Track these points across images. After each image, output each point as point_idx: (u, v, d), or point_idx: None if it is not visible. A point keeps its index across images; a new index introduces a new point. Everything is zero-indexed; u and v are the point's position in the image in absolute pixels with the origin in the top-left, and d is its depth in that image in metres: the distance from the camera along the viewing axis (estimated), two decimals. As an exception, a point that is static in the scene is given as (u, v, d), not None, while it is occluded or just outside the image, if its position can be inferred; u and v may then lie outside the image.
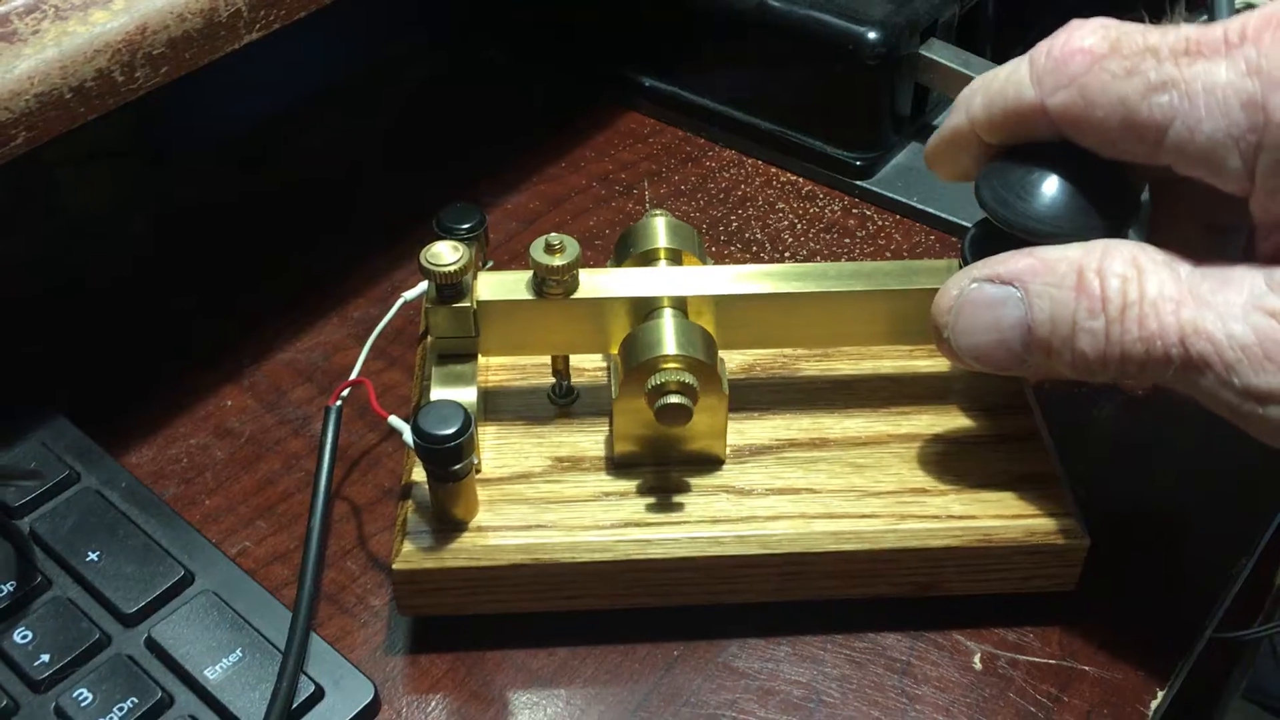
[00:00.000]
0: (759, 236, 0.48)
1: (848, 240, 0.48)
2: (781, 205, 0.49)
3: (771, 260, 0.47)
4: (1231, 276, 0.28)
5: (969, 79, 0.47)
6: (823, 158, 0.50)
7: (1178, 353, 0.28)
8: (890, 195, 0.49)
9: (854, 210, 0.49)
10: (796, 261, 0.47)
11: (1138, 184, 0.32)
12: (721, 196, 0.50)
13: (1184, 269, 0.28)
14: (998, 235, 0.32)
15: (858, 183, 0.49)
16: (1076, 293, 0.29)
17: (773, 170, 0.51)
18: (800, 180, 0.50)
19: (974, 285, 0.30)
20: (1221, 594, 0.36)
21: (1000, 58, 0.50)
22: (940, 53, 0.48)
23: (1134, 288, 0.28)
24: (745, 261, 0.47)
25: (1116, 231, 0.31)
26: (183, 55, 0.33)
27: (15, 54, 0.30)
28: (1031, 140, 0.31)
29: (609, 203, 0.50)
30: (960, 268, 0.34)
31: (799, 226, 0.48)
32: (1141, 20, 0.29)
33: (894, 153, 0.50)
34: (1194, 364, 0.28)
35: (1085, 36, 0.29)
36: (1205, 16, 0.49)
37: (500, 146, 0.52)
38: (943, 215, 0.48)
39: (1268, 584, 0.67)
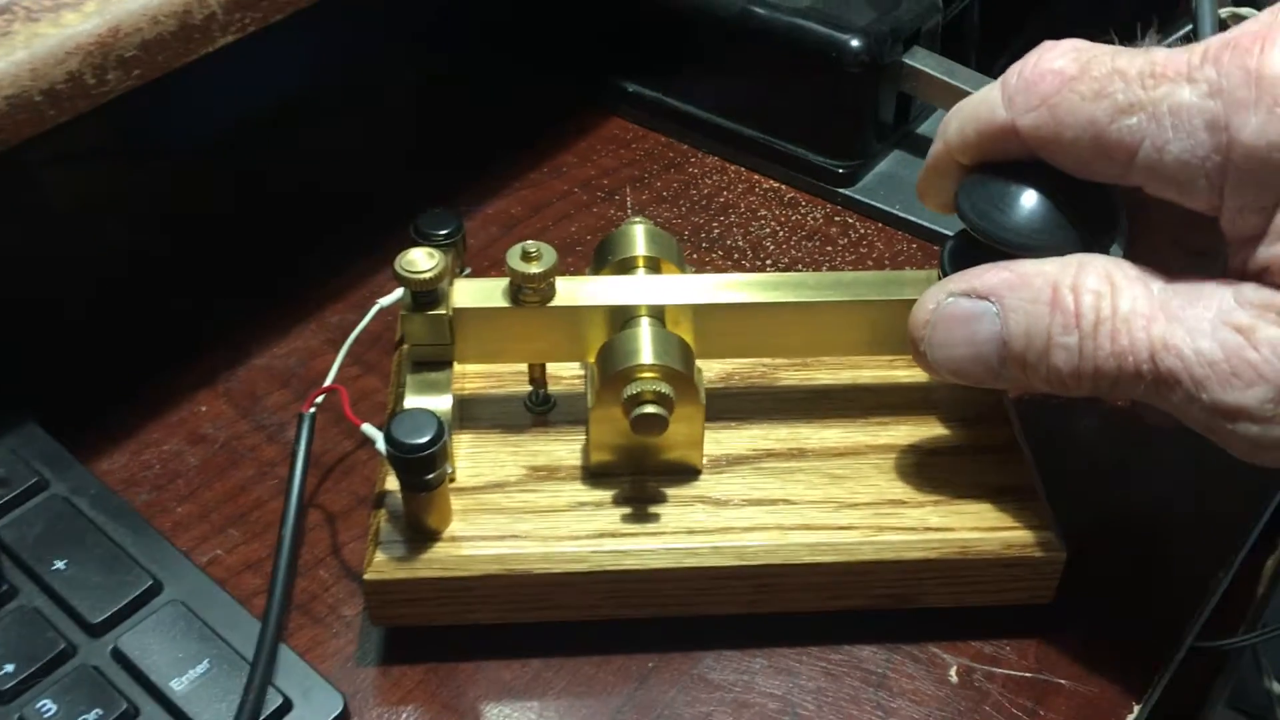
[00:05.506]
0: (741, 244, 0.48)
1: (830, 248, 0.47)
2: (764, 212, 0.49)
3: (753, 267, 0.47)
4: (1202, 292, 0.28)
5: (952, 87, 0.48)
6: (805, 165, 0.49)
7: (1148, 369, 0.28)
8: (872, 203, 0.48)
9: (836, 218, 0.49)
10: (778, 269, 0.46)
11: (1118, 195, 0.32)
12: (704, 203, 0.49)
13: (1157, 284, 0.28)
14: (976, 246, 0.32)
15: (840, 190, 0.49)
16: (1051, 308, 0.29)
17: (755, 177, 0.51)
18: (783, 187, 0.50)
19: (950, 299, 0.30)
20: (1199, 607, 0.36)
21: (984, 67, 0.51)
22: (924, 61, 0.48)
23: (1107, 303, 0.28)
24: (727, 269, 0.46)
25: (1095, 245, 0.31)
26: (155, 58, 0.32)
27: (-16, 56, 0.30)
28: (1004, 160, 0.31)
29: (591, 209, 0.49)
30: (940, 278, 0.34)
31: (781, 234, 0.48)
32: (1112, 42, 0.29)
33: (876, 161, 0.50)
34: (1164, 380, 0.28)
35: (1056, 58, 0.29)
36: (1190, 26, 0.49)
37: (481, 151, 0.52)
38: (924, 224, 0.48)
39: (1250, 594, 0.67)
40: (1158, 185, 0.28)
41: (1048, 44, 0.30)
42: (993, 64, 0.57)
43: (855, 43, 0.46)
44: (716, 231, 0.48)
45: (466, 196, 0.50)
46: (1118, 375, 0.28)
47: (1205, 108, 0.27)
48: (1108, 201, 0.31)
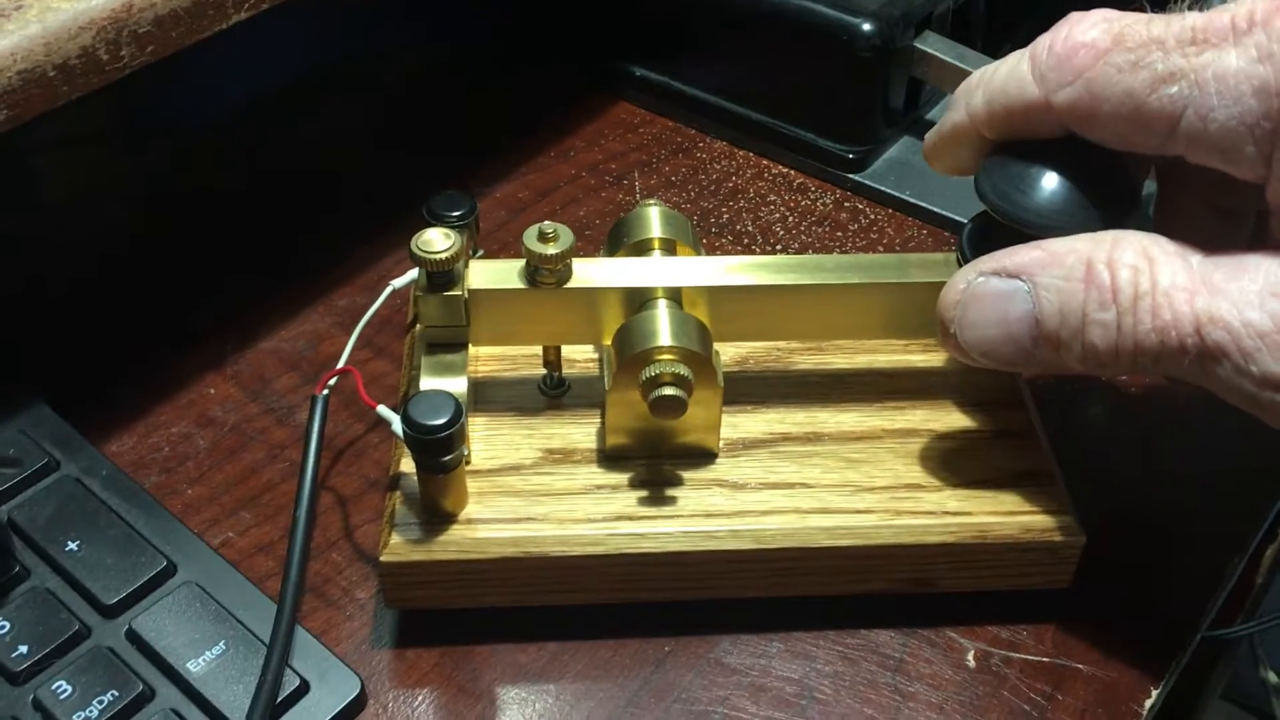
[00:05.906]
0: (750, 229, 0.47)
1: (839, 234, 0.47)
2: (773, 198, 0.49)
3: (763, 253, 0.46)
4: (1245, 264, 0.27)
5: (963, 72, 0.47)
6: (815, 150, 0.49)
7: (1193, 342, 0.27)
8: (882, 189, 0.48)
9: (846, 204, 0.49)
10: (788, 255, 0.46)
11: (1139, 175, 0.32)
12: (712, 188, 0.49)
13: (1195, 258, 0.28)
14: (997, 229, 0.32)
15: (850, 176, 0.49)
16: (1086, 285, 0.28)
17: (764, 162, 0.50)
18: (792, 173, 0.50)
19: (981, 279, 0.30)
20: (1216, 592, 0.36)
21: (992, 50, 0.50)
22: (935, 45, 0.48)
23: (1146, 278, 0.28)
24: (736, 254, 0.46)
25: (1116, 224, 0.30)
26: (170, 34, 0.32)
27: (-3, 30, 0.29)
28: (1035, 135, 0.31)
29: (599, 193, 0.49)
30: (957, 262, 0.34)
31: (790, 219, 0.48)
32: (1144, 10, 0.29)
33: (887, 146, 0.50)
34: (1210, 353, 0.27)
35: (1087, 30, 0.29)
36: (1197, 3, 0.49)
37: (489, 135, 0.52)
38: (935, 209, 0.47)
39: (1250, 583, 0.67)
40: (1201, 154, 0.28)
41: (1075, 15, 0.29)
42: (997, 50, 0.56)
43: (867, 26, 0.46)
44: (726, 217, 0.48)
45: (473, 181, 0.49)
46: (1160, 351, 0.28)
47: (1254, 73, 0.26)
48: (1128, 178, 0.31)
